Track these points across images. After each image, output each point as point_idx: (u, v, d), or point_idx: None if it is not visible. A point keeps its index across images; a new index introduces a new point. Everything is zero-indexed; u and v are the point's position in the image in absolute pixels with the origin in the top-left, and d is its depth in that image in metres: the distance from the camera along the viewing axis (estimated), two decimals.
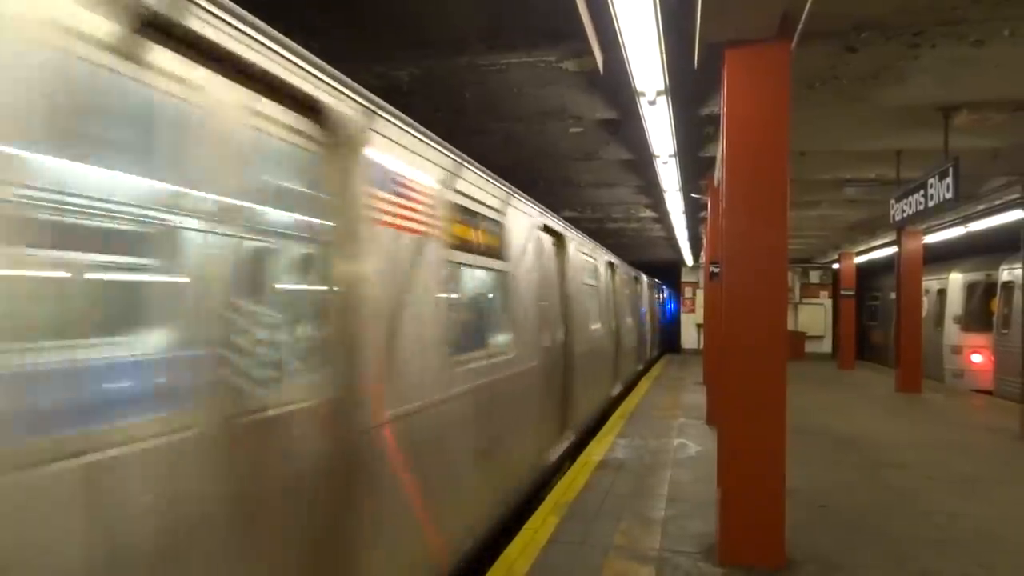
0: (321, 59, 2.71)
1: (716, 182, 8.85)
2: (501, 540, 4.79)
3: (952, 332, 14.97)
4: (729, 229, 4.40)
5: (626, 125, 7.22)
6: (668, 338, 26.00)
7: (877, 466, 6.95)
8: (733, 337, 4.36)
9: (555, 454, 6.83)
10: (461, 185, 4.27)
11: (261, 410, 2.35)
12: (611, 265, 12.17)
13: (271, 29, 2.36)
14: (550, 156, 9.09)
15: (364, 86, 3.07)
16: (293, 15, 4.58)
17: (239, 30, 2.19)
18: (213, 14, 2.07)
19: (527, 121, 7.38)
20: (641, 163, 8.93)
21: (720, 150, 5.08)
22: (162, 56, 1.94)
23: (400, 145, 3.38)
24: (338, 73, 2.82)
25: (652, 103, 5.64)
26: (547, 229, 7.02)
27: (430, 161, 3.77)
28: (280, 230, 2.58)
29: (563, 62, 5.51)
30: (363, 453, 2.88)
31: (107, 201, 1.84)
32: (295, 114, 2.56)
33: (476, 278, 4.98)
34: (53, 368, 1.67)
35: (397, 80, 5.98)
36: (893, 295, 14.79)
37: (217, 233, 2.15)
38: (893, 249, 14.55)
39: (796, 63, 4.48)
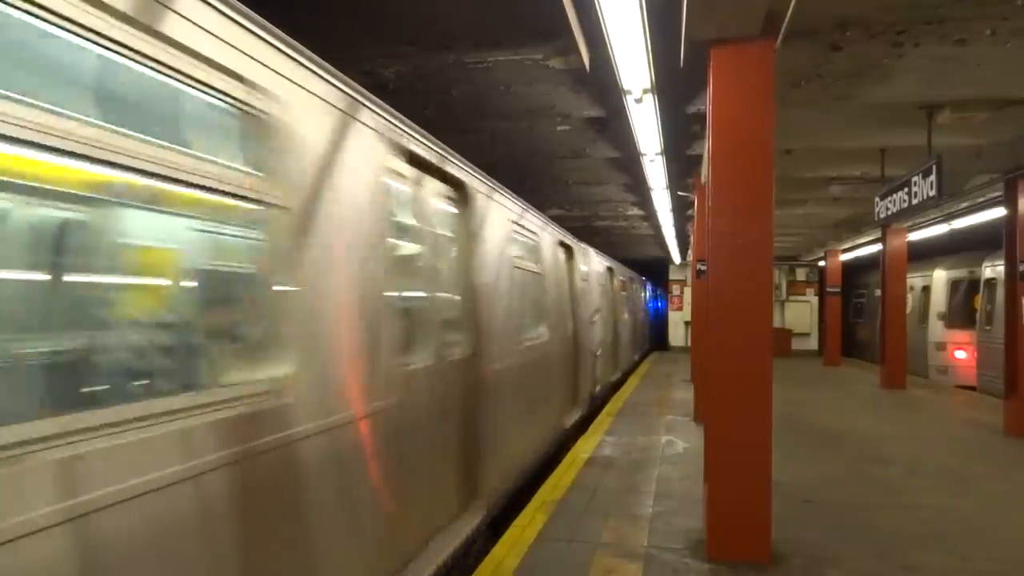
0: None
1: (703, 180, 8.88)
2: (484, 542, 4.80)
3: (936, 329, 15.11)
4: (715, 227, 4.42)
5: (613, 123, 7.23)
6: (656, 335, 26.10)
7: (862, 461, 7.01)
8: (719, 334, 4.38)
9: (586, 408, 10.10)
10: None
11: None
12: (624, 278, 15.54)
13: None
14: (538, 154, 9.10)
15: None
16: (279, 11, 4.55)
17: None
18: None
19: (514, 119, 7.38)
20: (628, 161, 8.95)
21: (706, 148, 5.10)
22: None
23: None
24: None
25: (639, 101, 5.66)
26: (568, 247, 10.02)
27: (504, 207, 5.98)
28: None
29: (550, 60, 5.51)
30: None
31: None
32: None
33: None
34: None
35: (383, 78, 5.96)
36: (879, 292, 14.91)
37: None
38: (878, 246, 14.66)
39: (781, 61, 4.51)
